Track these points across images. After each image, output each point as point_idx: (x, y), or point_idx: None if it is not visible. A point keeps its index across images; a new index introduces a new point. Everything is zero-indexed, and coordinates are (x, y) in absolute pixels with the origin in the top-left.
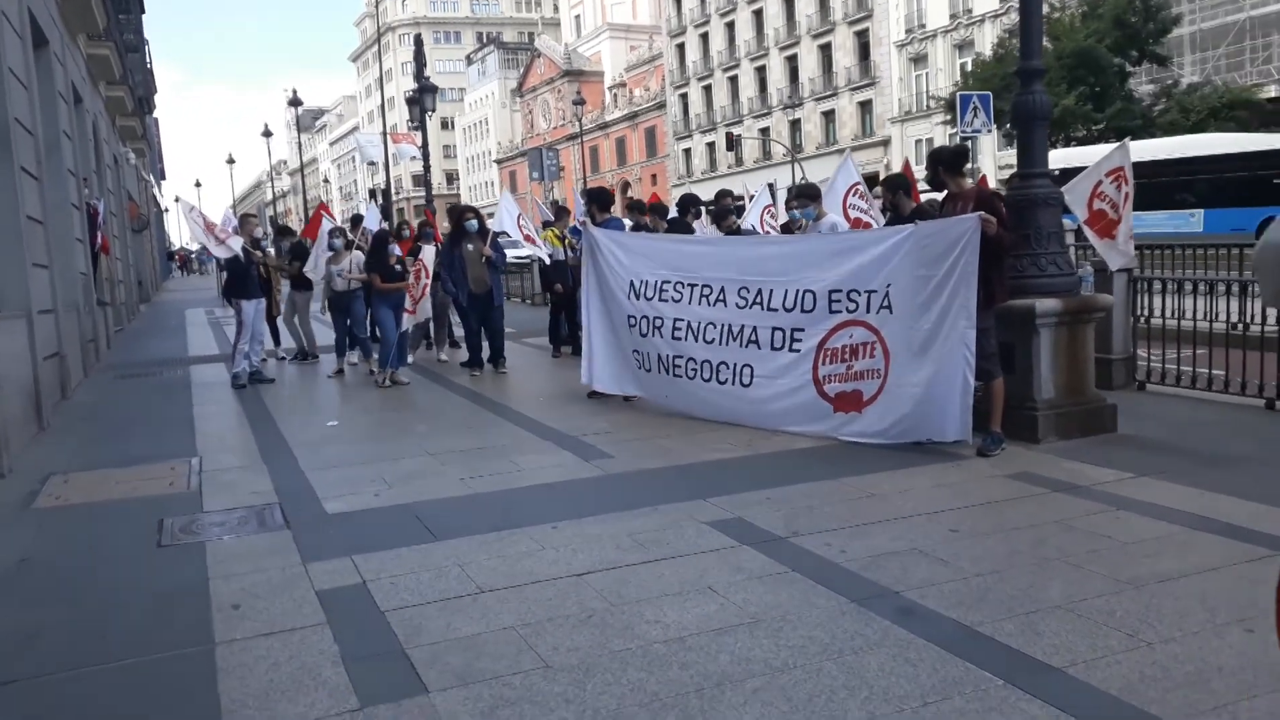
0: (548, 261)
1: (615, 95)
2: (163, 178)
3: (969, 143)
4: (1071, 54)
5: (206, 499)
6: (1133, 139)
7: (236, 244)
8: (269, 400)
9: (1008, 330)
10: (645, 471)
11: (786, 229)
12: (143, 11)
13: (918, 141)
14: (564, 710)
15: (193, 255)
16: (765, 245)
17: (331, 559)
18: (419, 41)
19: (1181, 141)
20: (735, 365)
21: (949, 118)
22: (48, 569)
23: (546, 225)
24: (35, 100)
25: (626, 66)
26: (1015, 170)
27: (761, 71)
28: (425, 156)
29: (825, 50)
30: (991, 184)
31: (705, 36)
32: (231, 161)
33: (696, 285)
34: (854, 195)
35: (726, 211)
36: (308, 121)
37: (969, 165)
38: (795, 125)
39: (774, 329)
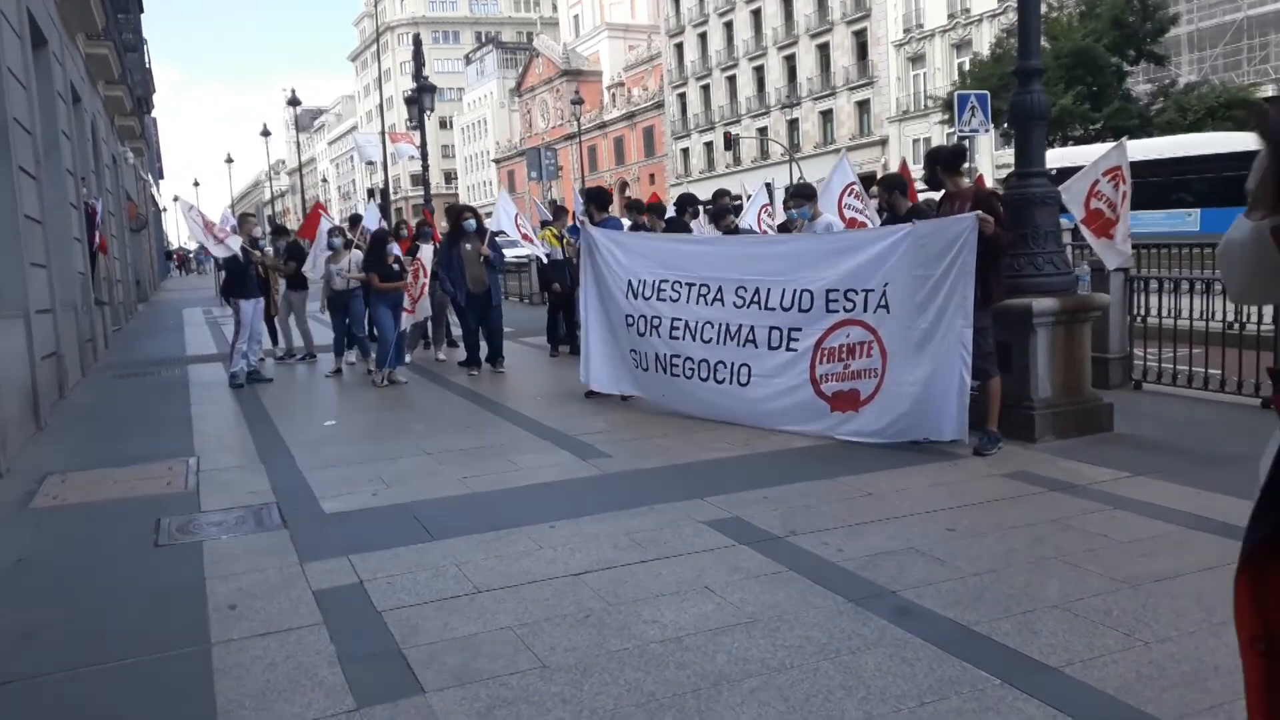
0: (545, 261)
1: (613, 95)
2: (161, 177)
3: (966, 142)
4: (1069, 53)
5: (204, 499)
6: (1130, 138)
7: (235, 243)
8: (267, 400)
9: (1005, 329)
10: (643, 471)
11: (784, 228)
12: (141, 11)
13: (915, 141)
14: (561, 710)
15: (190, 255)
16: (763, 245)
17: (328, 559)
18: (417, 41)
19: (1179, 141)
20: (733, 365)
21: (947, 117)
22: (45, 569)
23: (545, 225)
24: (34, 100)
25: (625, 66)
26: (1012, 169)
27: (759, 71)
28: (424, 156)
29: (823, 50)
30: (988, 183)
31: (704, 36)
32: (230, 161)
33: (694, 285)
34: (849, 195)
35: (724, 211)
36: (306, 121)
37: (966, 165)
38: (793, 125)
39: (771, 328)
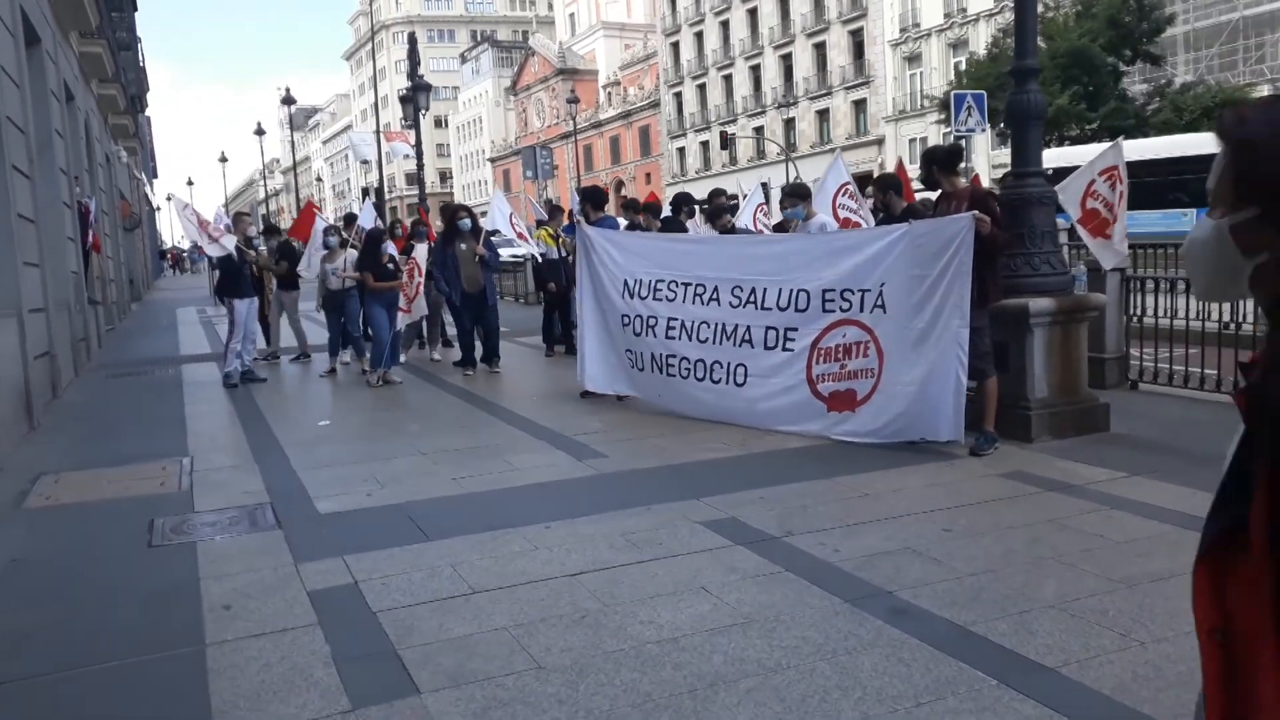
0: (539, 259)
1: (609, 94)
2: (155, 176)
3: (963, 142)
4: (1065, 53)
5: (198, 499)
6: (1126, 138)
7: (230, 242)
8: (261, 400)
9: (1001, 329)
10: (639, 471)
11: (780, 228)
12: (135, 9)
13: (912, 141)
14: (557, 711)
15: (184, 254)
16: (759, 245)
17: (323, 559)
18: (413, 40)
19: (1175, 141)
20: (729, 364)
21: (943, 117)
22: (38, 569)
23: (540, 224)
24: (27, 98)
25: (621, 65)
26: (1009, 169)
27: (756, 70)
28: (419, 155)
29: (820, 49)
30: (985, 183)
31: (700, 35)
32: (224, 160)
33: (690, 284)
34: (844, 195)
35: (721, 210)
36: (301, 120)
37: (963, 164)
38: (790, 124)
39: (767, 328)
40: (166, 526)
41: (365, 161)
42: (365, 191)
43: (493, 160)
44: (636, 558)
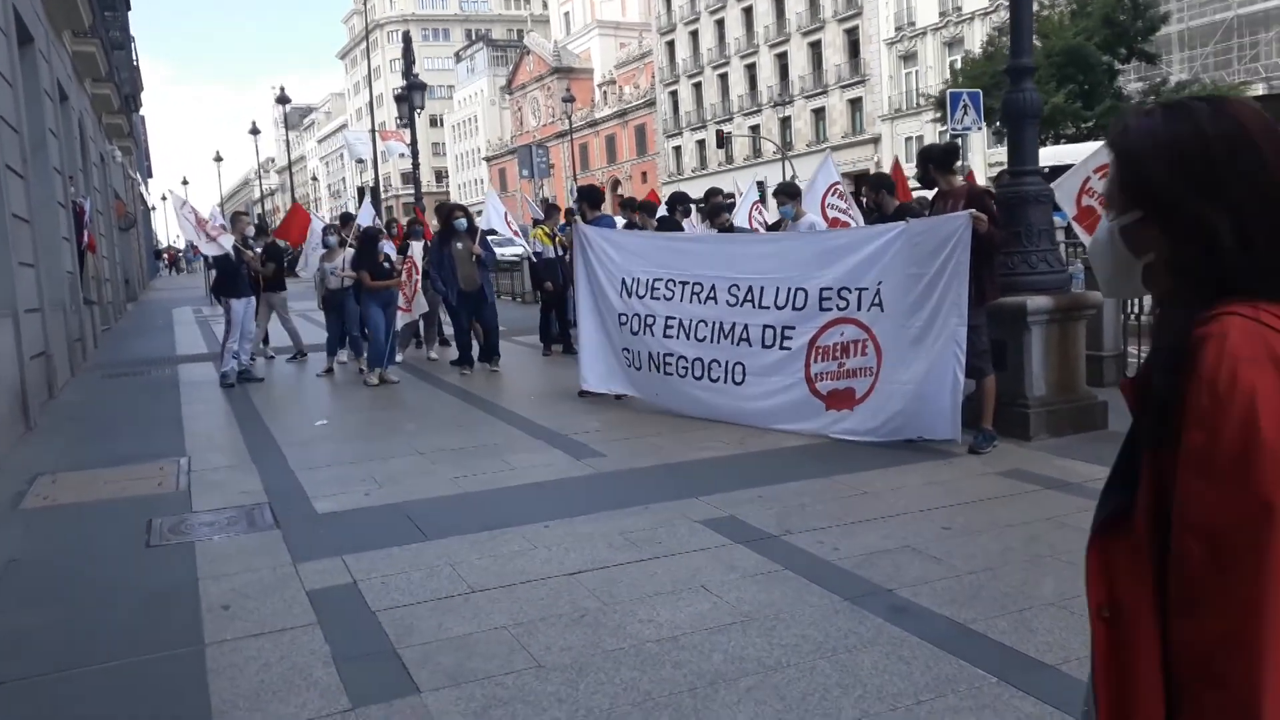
0: (534, 259)
1: (605, 93)
2: (149, 176)
3: (959, 140)
4: (1061, 52)
5: (195, 499)
6: None
7: (227, 242)
8: (258, 399)
9: (999, 328)
10: (637, 470)
11: (776, 227)
12: (128, 8)
13: (908, 139)
14: (556, 710)
15: (181, 254)
16: (756, 243)
17: (322, 559)
18: (407, 38)
19: None
20: (727, 363)
21: (939, 115)
22: (36, 570)
23: (536, 223)
24: (20, 97)
25: (616, 64)
26: (1005, 167)
27: (751, 69)
28: (414, 154)
29: (815, 48)
30: (980, 181)
31: (695, 34)
32: (219, 159)
33: (688, 283)
34: (833, 195)
35: (720, 209)
36: (295, 119)
37: (959, 163)
38: (785, 123)
39: (765, 327)
40: (164, 527)
41: (360, 160)
42: (362, 191)
43: (488, 159)
44: (635, 556)
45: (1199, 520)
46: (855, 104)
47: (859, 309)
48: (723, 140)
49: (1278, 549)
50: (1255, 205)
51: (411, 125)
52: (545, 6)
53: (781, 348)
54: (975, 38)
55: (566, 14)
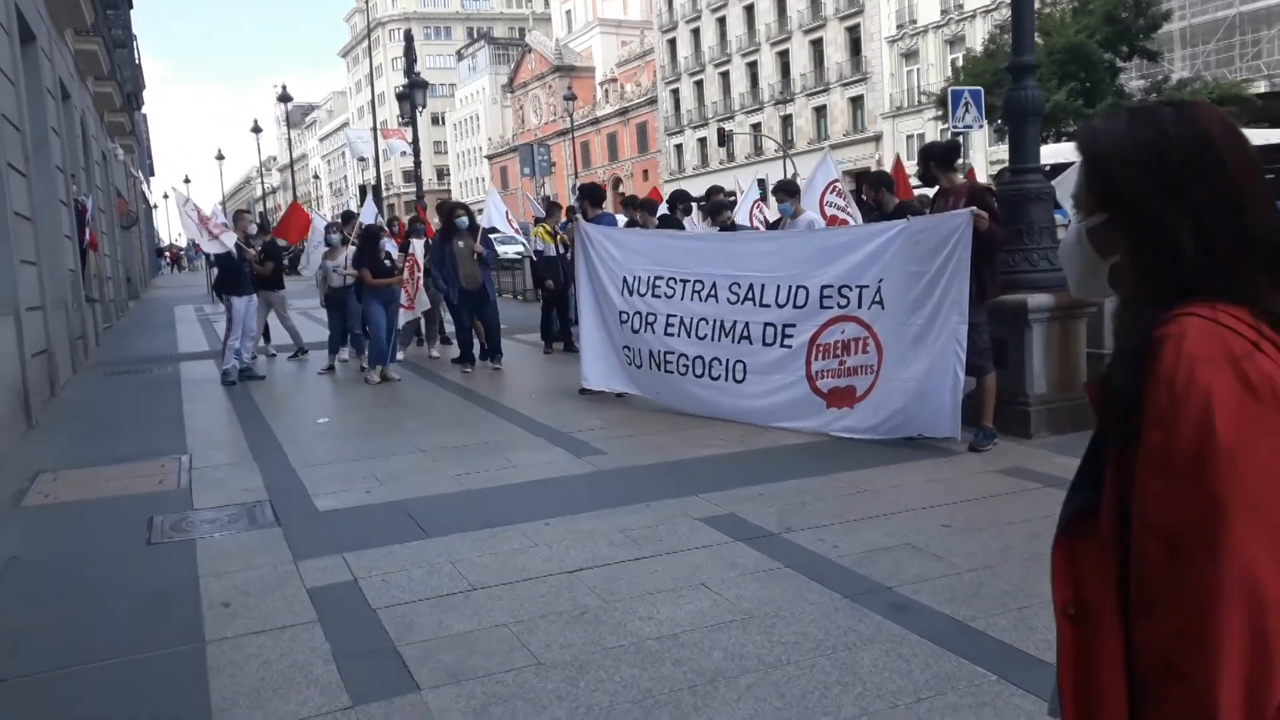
0: (535, 257)
1: (606, 91)
2: (151, 174)
3: (960, 138)
4: (1062, 49)
5: (197, 496)
6: None
7: (230, 240)
8: (259, 397)
9: (1000, 325)
10: (637, 468)
11: (776, 225)
12: (130, 7)
13: (909, 137)
14: (556, 708)
15: (183, 252)
16: (757, 241)
17: (323, 556)
18: (409, 37)
19: None
20: (727, 361)
21: (940, 113)
22: (37, 568)
23: (538, 221)
24: (22, 96)
25: (618, 62)
26: (1006, 165)
27: (753, 67)
28: (416, 152)
29: (817, 45)
30: (981, 179)
31: (696, 32)
32: (221, 158)
33: (689, 281)
34: (831, 193)
35: (721, 206)
36: (297, 117)
37: (960, 161)
38: (787, 120)
39: (766, 324)
40: (165, 524)
41: (362, 159)
42: (363, 189)
43: (490, 157)
44: (636, 554)
45: (1157, 520)
46: (856, 102)
47: (860, 307)
48: (724, 138)
49: (1232, 548)
50: (1217, 209)
51: (413, 123)
52: (547, 5)
53: (782, 346)
54: (977, 35)
55: (568, 12)
